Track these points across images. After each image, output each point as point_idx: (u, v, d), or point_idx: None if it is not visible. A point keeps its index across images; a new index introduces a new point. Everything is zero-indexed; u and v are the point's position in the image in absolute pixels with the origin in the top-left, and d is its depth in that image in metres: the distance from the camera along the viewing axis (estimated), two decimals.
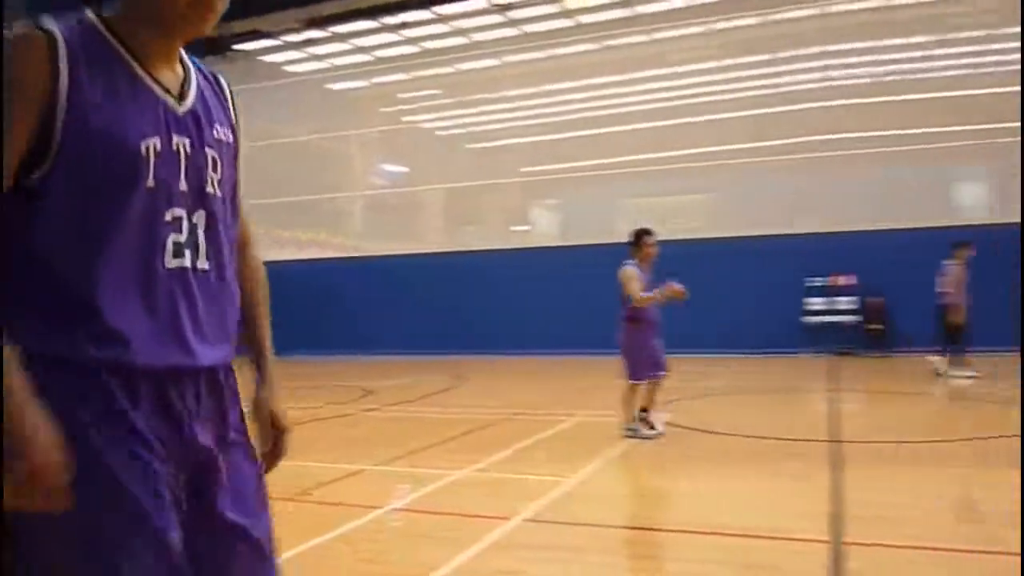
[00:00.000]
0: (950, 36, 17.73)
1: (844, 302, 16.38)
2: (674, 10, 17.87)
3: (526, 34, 18.87)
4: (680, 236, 18.08)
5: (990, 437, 6.81)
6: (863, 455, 6.30)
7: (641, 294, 6.86)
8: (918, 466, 5.95)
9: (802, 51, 18.30)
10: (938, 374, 11.32)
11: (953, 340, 11.26)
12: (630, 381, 7.12)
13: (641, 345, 7.06)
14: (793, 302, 16.59)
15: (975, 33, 17.57)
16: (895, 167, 17.58)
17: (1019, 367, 9.27)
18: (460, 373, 13.97)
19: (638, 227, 7.41)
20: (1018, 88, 14.26)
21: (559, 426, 8.08)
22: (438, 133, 21.80)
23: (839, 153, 17.37)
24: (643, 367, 7.07)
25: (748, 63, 18.75)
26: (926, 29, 17.35)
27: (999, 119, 16.09)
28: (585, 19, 18.38)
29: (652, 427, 7.23)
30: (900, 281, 15.66)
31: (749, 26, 18.08)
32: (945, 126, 16.93)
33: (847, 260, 16.06)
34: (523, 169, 19.81)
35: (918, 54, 17.86)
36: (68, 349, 1.33)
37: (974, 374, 10.97)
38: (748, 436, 7.21)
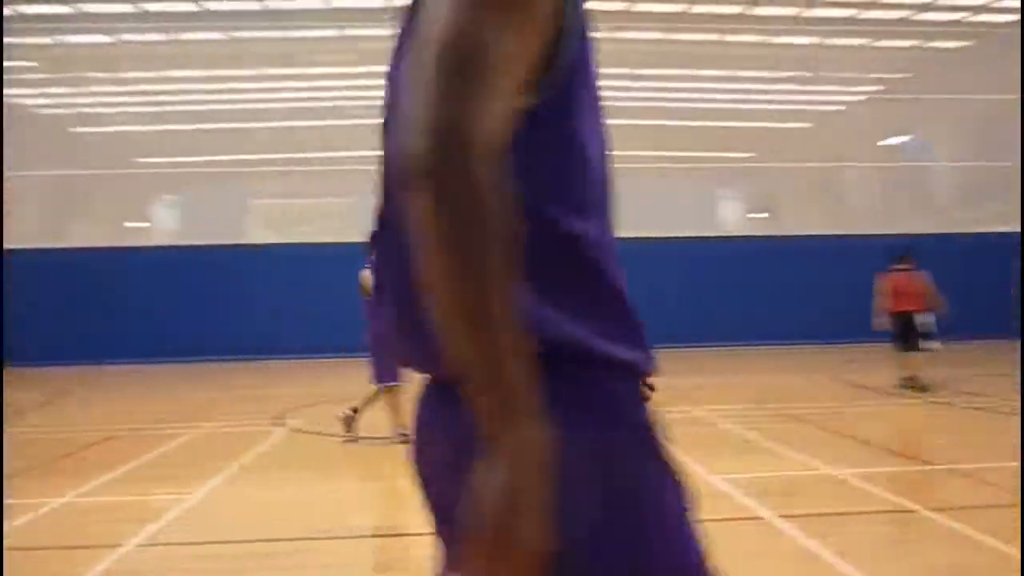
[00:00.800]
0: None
1: None
2: (309, 11, 17.62)
3: (146, 12, 17.23)
4: (315, 240, 18.00)
5: None
6: None
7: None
8: None
9: None
10: None
11: None
12: (377, 384, 6.77)
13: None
14: None
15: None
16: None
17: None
18: (61, 387, 12.30)
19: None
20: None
21: (177, 440, 7.47)
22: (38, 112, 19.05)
23: None
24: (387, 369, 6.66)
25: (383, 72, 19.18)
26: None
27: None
28: (212, 5, 17.26)
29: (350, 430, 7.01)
30: None
31: (386, 36, 18.53)
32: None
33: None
34: (140, 160, 18.13)
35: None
36: (627, 352, 0.97)
37: None
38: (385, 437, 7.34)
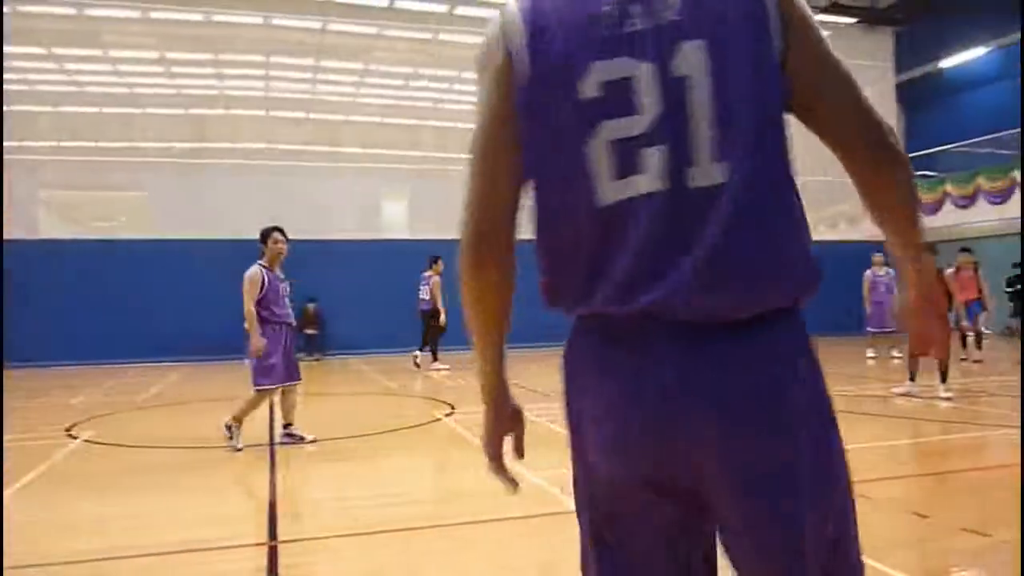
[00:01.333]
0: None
1: None
2: None
3: None
4: (106, 236, 16.72)
5: (416, 425, 7.72)
6: (300, 454, 6.55)
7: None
8: (349, 461, 6.42)
9: (245, 57, 18.43)
10: (416, 366, 13.32)
11: (433, 341, 13.24)
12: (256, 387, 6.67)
13: (271, 350, 6.60)
14: (232, 306, 16.59)
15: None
16: (331, 181, 18.82)
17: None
18: None
19: (267, 225, 6.98)
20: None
21: None
22: None
23: (278, 163, 17.96)
24: (270, 373, 6.63)
25: (190, 60, 18.18)
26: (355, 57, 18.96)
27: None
28: None
29: (304, 438, 6.90)
30: (333, 287, 16.86)
31: (191, 22, 17.50)
32: (369, 147, 18.75)
33: (293, 264, 16.60)
34: None
35: (350, 79, 19.48)
36: None
37: (447, 367, 13.15)
38: (186, 447, 6.92)
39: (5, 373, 13.22)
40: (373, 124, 19.28)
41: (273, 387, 6.77)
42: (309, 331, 17.16)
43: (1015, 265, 20.02)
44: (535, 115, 1.23)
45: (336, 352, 17.10)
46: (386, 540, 4.21)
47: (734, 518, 1.25)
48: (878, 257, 13.95)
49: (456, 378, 12.36)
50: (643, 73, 1.19)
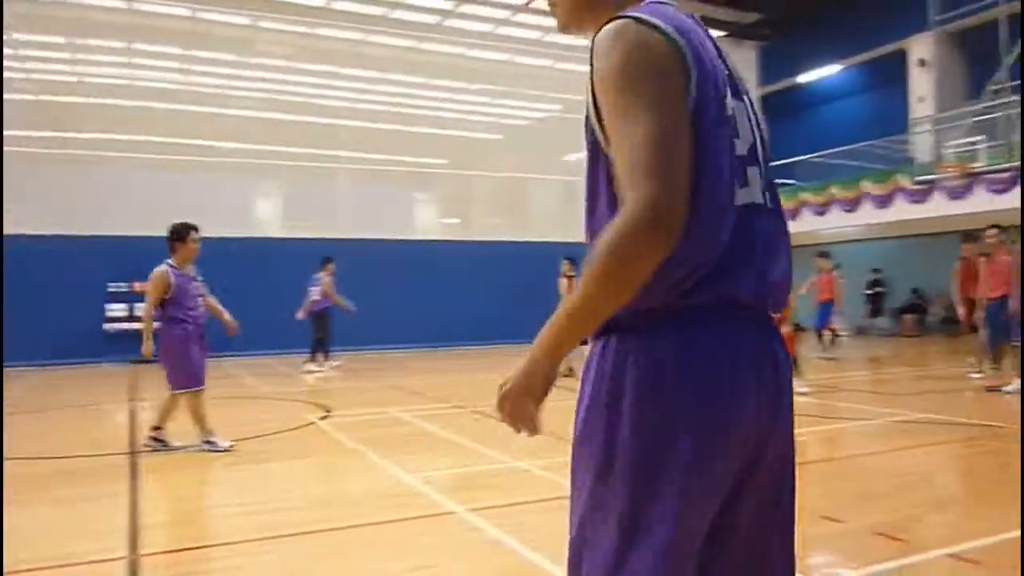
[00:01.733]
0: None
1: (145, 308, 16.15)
2: None
3: None
4: None
5: (289, 429, 7.49)
6: (164, 463, 6.24)
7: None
8: (219, 468, 6.16)
9: (105, 43, 17.47)
10: (311, 371, 13.20)
11: (321, 341, 13.24)
12: (173, 391, 6.48)
13: (187, 350, 6.47)
14: (95, 308, 15.68)
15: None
16: (201, 175, 18.11)
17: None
18: None
19: (180, 222, 6.75)
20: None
21: None
22: None
23: (142, 156, 17.15)
24: (185, 376, 6.44)
25: (43, 43, 17.08)
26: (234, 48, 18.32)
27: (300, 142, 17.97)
28: None
29: (165, 443, 6.58)
30: (219, 286, 16.23)
31: (43, 2, 16.40)
32: (244, 142, 18.17)
33: (149, 265, 15.77)
34: None
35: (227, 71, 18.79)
36: None
37: (335, 365, 13.40)
38: (45, 458, 6.46)
39: None
40: (248, 119, 18.66)
41: (197, 388, 6.58)
42: None
43: (874, 270, 21.52)
44: (705, 126, 1.37)
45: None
46: (258, 548, 4.06)
47: (751, 511, 1.47)
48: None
49: (333, 380, 12.12)
50: (740, 109, 1.49)
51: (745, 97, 1.51)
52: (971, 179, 15.80)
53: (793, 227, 22.14)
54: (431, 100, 21.62)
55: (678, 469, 1.35)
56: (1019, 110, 12.75)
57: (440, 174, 22.06)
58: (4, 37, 15.03)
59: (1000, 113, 12.97)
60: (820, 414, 8.31)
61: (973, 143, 13.48)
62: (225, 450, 6.50)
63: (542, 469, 5.63)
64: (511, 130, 23.03)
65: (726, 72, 1.46)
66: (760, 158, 1.50)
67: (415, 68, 20.77)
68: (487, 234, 22.08)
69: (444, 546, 4.01)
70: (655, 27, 1.36)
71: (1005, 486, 5.22)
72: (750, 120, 1.50)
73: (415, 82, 21.14)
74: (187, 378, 6.49)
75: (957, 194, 17.89)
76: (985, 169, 13.74)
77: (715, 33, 19.00)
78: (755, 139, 1.50)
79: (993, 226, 10.24)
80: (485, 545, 4.02)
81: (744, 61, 23.65)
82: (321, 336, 13.18)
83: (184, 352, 6.47)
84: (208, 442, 6.54)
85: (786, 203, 22.53)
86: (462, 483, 5.52)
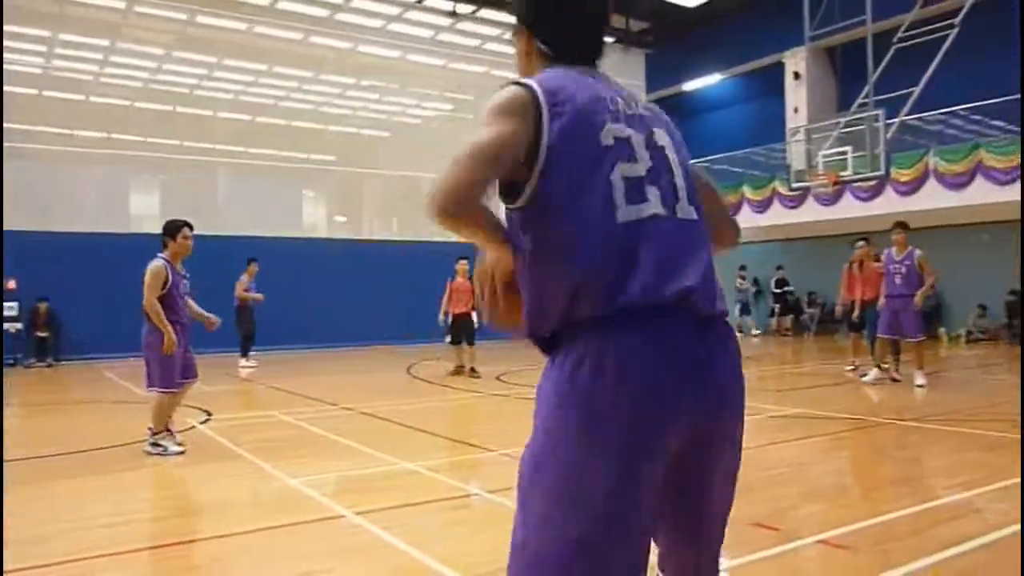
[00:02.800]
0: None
1: (5, 308, 15.08)
2: None
3: None
4: None
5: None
6: (29, 472, 5.84)
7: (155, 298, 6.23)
8: (87, 476, 5.81)
9: None
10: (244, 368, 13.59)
11: (247, 339, 13.84)
12: (154, 390, 6.38)
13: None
14: None
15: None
16: (68, 166, 17.15)
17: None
18: None
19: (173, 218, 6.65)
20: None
21: None
22: None
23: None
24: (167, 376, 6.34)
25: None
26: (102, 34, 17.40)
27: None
28: None
29: (163, 447, 6.41)
30: (68, 285, 15.34)
31: None
32: (115, 132, 17.28)
33: (8, 263, 14.72)
34: None
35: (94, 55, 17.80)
36: None
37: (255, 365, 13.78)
38: None
39: None
40: (120, 107, 17.75)
41: (182, 386, 6.55)
42: (40, 334, 15.46)
43: (778, 267, 22.47)
44: (564, 154, 1.63)
45: (75, 357, 15.55)
46: (133, 560, 3.85)
47: (697, 485, 1.73)
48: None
49: (214, 381, 11.67)
50: (636, 137, 1.72)
51: (649, 125, 1.77)
52: (840, 187, 16.76)
53: None
54: (319, 95, 21.17)
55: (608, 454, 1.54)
56: (882, 124, 13.63)
57: (328, 171, 21.60)
58: None
59: (864, 126, 13.80)
60: None
61: (842, 153, 14.28)
62: (177, 454, 6.36)
63: (430, 470, 5.59)
64: (401, 128, 22.82)
65: (618, 109, 1.73)
66: (663, 176, 1.72)
67: (303, 62, 20.28)
68: (377, 233, 21.82)
69: (331, 551, 3.92)
70: (522, 84, 1.70)
71: (869, 475, 5.55)
72: (650, 144, 1.73)
73: (303, 76, 20.65)
74: (167, 379, 6.37)
75: (827, 201, 18.96)
76: (852, 178, 14.59)
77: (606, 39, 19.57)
78: (656, 160, 1.73)
79: (861, 239, 11.17)
80: (374, 548, 3.95)
81: (632, 67, 24.27)
82: (247, 332, 13.85)
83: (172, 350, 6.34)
84: (156, 444, 6.39)
85: None
86: (350, 486, 5.41)
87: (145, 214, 17.94)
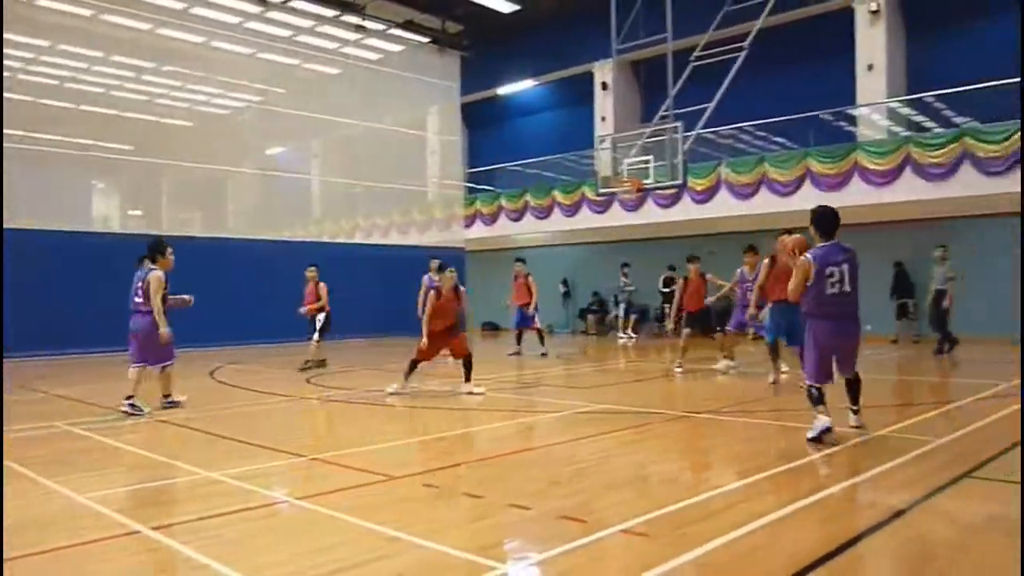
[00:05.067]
0: None
1: None
2: None
3: None
4: None
5: None
6: None
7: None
8: None
9: None
10: None
11: None
12: (158, 365, 8.60)
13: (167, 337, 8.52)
14: None
15: None
16: None
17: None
18: None
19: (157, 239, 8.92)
20: None
21: None
22: None
23: None
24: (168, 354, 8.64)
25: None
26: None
27: None
28: None
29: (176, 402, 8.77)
30: None
31: None
32: None
33: None
34: None
35: None
36: None
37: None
38: None
39: None
40: None
41: (172, 362, 8.74)
42: None
43: (670, 267, 23.23)
44: (819, 276, 6.26)
45: None
46: None
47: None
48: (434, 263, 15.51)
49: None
50: (842, 270, 6.31)
51: (847, 266, 6.38)
52: (643, 194, 17.76)
53: (490, 232, 23.41)
54: (112, 78, 19.62)
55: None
56: (680, 135, 14.57)
57: (123, 161, 20.03)
58: None
59: (665, 137, 14.69)
60: (520, 408, 8.81)
61: (645, 162, 15.12)
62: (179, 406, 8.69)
63: (236, 479, 5.32)
64: (205, 118, 21.64)
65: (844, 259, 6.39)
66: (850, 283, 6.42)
67: (93, 41, 18.70)
68: (178, 228, 20.54)
69: (125, 570, 3.64)
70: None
71: (666, 465, 5.91)
72: (847, 274, 6.34)
73: (93, 56, 19.05)
74: (167, 356, 8.61)
75: (631, 207, 20.04)
76: (654, 185, 15.49)
77: (420, 40, 19.44)
78: (848, 277, 6.36)
79: (693, 257, 12.67)
80: (173, 564, 3.71)
81: (447, 69, 24.41)
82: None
83: (169, 336, 8.51)
84: (171, 402, 8.68)
85: (486, 209, 23.82)
86: (147, 500, 5.06)
87: None
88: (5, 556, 3.81)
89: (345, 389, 10.70)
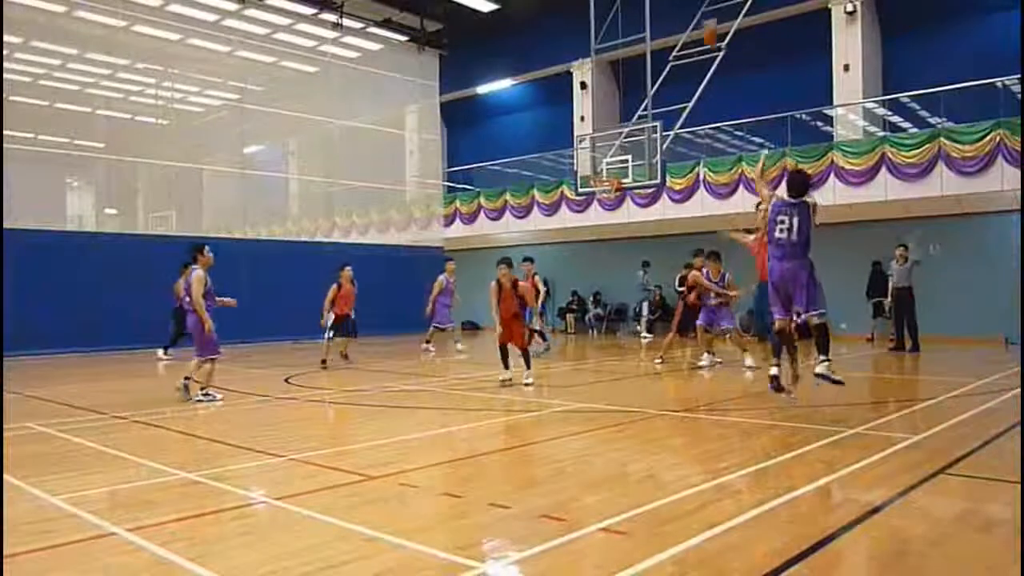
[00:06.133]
0: None
1: None
2: None
3: None
4: None
5: None
6: None
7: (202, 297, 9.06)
8: None
9: None
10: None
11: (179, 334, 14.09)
12: (199, 358, 9.25)
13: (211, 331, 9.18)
14: None
15: None
16: None
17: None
18: None
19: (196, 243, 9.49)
20: None
21: None
22: None
23: None
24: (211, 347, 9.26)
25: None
26: None
27: None
28: None
29: (211, 396, 9.21)
30: None
31: None
32: None
33: None
34: None
35: None
36: None
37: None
38: None
39: None
40: None
41: (217, 355, 9.35)
42: None
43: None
44: (771, 220, 7.42)
45: None
46: None
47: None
48: (451, 265, 15.66)
49: None
50: (789, 218, 7.27)
51: (795, 216, 7.30)
52: (622, 193, 17.81)
53: (470, 231, 23.37)
54: (85, 75, 19.37)
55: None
56: (659, 135, 14.63)
57: (97, 159, 19.79)
58: None
59: (643, 137, 14.73)
60: (500, 408, 8.81)
61: (624, 161, 15.15)
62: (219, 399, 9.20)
63: (214, 479, 5.28)
64: (181, 116, 21.42)
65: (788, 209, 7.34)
66: (796, 230, 7.32)
67: (66, 38, 18.45)
68: (153, 227, 20.33)
69: (101, 572, 3.59)
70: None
71: (644, 463, 5.93)
72: (794, 221, 7.26)
73: (67, 53, 18.80)
74: (213, 349, 9.25)
75: (610, 206, 20.09)
76: (633, 185, 15.53)
77: (398, 38, 19.33)
78: (794, 225, 7.26)
79: (698, 251, 12.95)
80: (149, 566, 3.66)
81: (426, 68, 24.36)
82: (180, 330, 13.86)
83: (213, 330, 9.15)
84: (207, 394, 9.16)
85: (465, 208, 23.75)
86: (123, 501, 4.99)
87: None
88: None
89: (323, 389, 10.64)
